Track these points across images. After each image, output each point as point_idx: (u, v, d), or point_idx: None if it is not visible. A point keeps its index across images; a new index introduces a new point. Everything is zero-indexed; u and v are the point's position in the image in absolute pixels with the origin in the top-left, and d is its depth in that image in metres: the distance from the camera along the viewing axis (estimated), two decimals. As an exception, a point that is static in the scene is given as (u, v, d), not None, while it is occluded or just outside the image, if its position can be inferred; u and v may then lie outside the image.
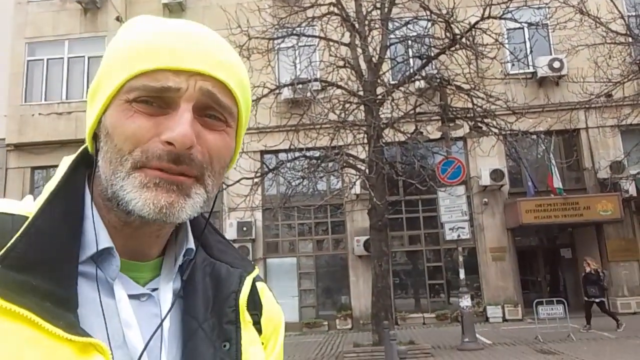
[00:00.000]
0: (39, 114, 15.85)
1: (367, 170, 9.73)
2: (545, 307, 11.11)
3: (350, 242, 15.26)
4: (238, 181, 10.13)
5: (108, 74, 0.64)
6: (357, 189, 13.57)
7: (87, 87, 16.38)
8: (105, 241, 0.63)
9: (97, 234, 0.63)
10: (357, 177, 10.47)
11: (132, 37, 0.64)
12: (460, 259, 11.25)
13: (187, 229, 0.72)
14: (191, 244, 0.71)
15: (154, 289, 0.68)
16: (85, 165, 0.68)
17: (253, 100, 10.40)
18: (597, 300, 11.57)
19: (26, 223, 0.59)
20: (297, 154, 10.54)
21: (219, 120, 0.65)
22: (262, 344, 0.74)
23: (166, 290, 0.68)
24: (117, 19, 16.47)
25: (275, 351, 0.79)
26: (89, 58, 16.33)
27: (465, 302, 10.69)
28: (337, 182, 14.05)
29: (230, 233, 15.02)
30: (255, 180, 10.56)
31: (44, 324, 0.53)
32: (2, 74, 16.13)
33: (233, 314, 0.69)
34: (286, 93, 13.13)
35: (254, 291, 0.76)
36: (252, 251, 15.21)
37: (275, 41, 10.94)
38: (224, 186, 10.49)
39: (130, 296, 0.64)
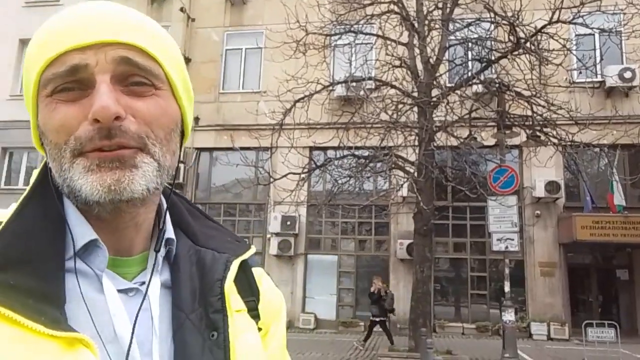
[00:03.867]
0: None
1: (415, 174, 9.53)
2: (595, 330, 10.51)
3: (393, 244, 15.05)
4: (285, 175, 10.18)
5: (27, 73, 0.64)
6: (404, 192, 13.34)
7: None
8: (90, 234, 0.63)
9: (79, 229, 0.63)
10: (405, 179, 10.26)
11: (40, 29, 0.63)
12: (507, 271, 10.84)
13: (166, 219, 0.72)
14: (170, 233, 0.71)
15: (142, 283, 0.67)
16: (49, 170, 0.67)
17: (306, 96, 10.57)
18: (377, 319, 11.72)
19: (1, 226, 0.59)
20: (345, 152, 10.47)
21: (146, 85, 0.63)
22: (261, 329, 0.74)
23: (153, 284, 0.67)
24: (181, 9, 16.93)
25: (277, 336, 0.78)
26: (152, 46, 16.91)
27: (509, 316, 10.29)
28: (384, 183, 13.87)
29: (274, 226, 15.17)
30: (302, 175, 10.57)
31: (24, 321, 0.53)
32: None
33: (219, 303, 0.68)
34: (339, 90, 13.06)
35: (249, 277, 0.75)
36: (294, 246, 15.30)
37: (332, 37, 10.89)
38: (271, 179, 10.59)
39: (119, 291, 0.64)
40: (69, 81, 0.60)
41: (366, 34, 10.68)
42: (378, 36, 10.54)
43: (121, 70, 0.61)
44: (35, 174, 0.68)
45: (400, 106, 9.89)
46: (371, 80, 10.62)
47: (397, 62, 10.09)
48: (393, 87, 10.14)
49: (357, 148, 10.16)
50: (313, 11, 10.36)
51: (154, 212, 0.71)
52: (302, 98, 10.33)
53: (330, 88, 11.10)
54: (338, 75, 11.81)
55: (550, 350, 12.03)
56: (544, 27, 9.07)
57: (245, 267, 0.75)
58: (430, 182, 9.93)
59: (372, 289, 12.21)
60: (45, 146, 0.64)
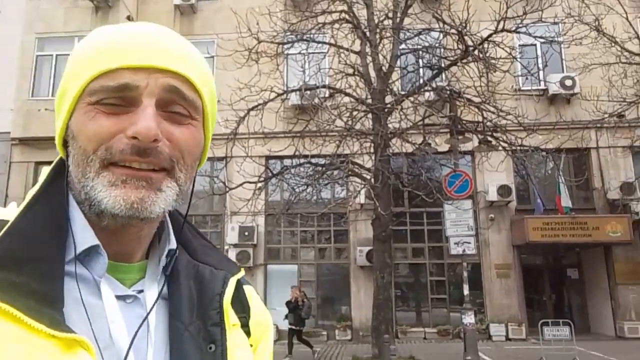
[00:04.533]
0: (45, 109, 15.80)
1: (372, 180, 9.56)
2: (550, 328, 10.79)
3: (353, 252, 15.06)
4: (241, 185, 10.01)
5: (72, 78, 0.65)
6: (362, 199, 13.38)
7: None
8: (91, 239, 0.64)
9: (81, 233, 0.64)
10: (362, 186, 10.29)
11: (93, 40, 0.66)
12: (465, 274, 11.01)
13: (169, 231, 0.73)
14: (173, 244, 0.72)
15: (140, 291, 0.69)
16: (66, 172, 0.69)
17: (260, 104, 10.44)
18: (294, 328, 11.70)
19: (7, 225, 0.61)
20: (302, 160, 10.40)
21: (184, 115, 0.66)
22: (252, 346, 0.75)
23: (151, 292, 0.69)
24: (128, 18, 16.50)
25: (266, 354, 0.80)
26: (99, 56, 16.35)
27: (469, 318, 10.43)
28: (341, 190, 13.89)
29: (231, 237, 14.87)
30: (259, 184, 10.42)
31: (27, 320, 0.54)
32: (11, 67, 16.15)
33: (217, 316, 0.69)
34: (293, 99, 13.02)
35: (241, 294, 0.77)
36: (253, 256, 15.04)
37: (285, 46, 10.86)
38: (227, 189, 10.38)
39: (117, 297, 0.65)
40: (115, 96, 0.62)
41: (319, 42, 10.71)
42: (330, 44, 10.59)
43: (166, 97, 0.64)
44: (45, 172, 0.69)
45: (355, 113, 9.94)
46: (325, 88, 10.63)
47: (350, 70, 10.16)
48: (347, 94, 10.18)
49: (313, 156, 10.11)
50: (264, 20, 10.29)
51: (156, 227, 0.73)
52: (256, 106, 10.22)
53: (284, 96, 11.04)
54: (292, 84, 11.77)
55: (510, 351, 12.28)
56: (490, 35, 9.37)
57: (238, 285, 0.77)
58: (387, 188, 10.00)
59: (290, 298, 12.10)
60: (71, 149, 0.65)
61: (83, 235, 0.64)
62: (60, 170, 0.69)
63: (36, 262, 0.59)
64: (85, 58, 0.64)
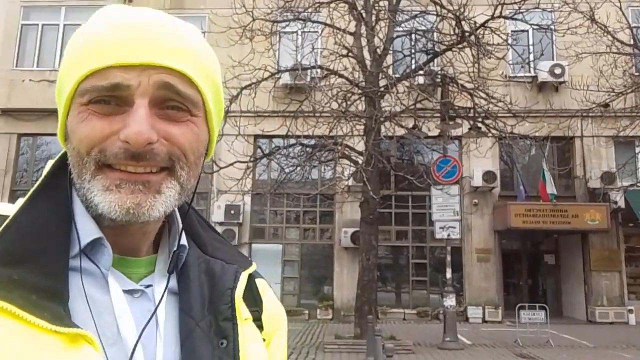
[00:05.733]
0: (30, 80, 15.31)
1: (364, 163, 9.59)
2: (527, 312, 11.16)
3: (338, 233, 15.16)
4: (232, 164, 9.92)
5: (66, 74, 0.63)
6: (350, 181, 13.44)
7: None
8: (95, 232, 0.63)
9: (84, 226, 0.63)
10: (356, 169, 10.30)
11: (86, 33, 0.63)
12: (448, 258, 11.21)
13: (179, 225, 0.72)
14: (183, 241, 0.71)
15: (148, 286, 0.67)
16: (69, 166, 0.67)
17: (253, 83, 10.25)
18: None
19: (8, 219, 0.59)
20: (292, 141, 10.34)
21: (182, 110, 0.63)
22: (264, 340, 0.74)
23: (161, 287, 0.67)
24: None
25: (280, 349, 0.79)
26: (85, 26, 15.86)
27: (450, 301, 10.67)
28: (330, 172, 13.88)
29: (217, 215, 14.81)
30: (249, 164, 10.35)
31: (26, 316, 0.53)
32: (-5, 36, 15.58)
33: (229, 311, 0.68)
34: (285, 78, 12.85)
35: (252, 288, 0.77)
36: (238, 235, 15.04)
37: (279, 24, 10.67)
38: (217, 168, 10.30)
39: (124, 291, 0.64)
40: (107, 95, 0.60)
41: (314, 21, 10.53)
42: (326, 24, 10.43)
43: (161, 94, 0.61)
44: (49, 165, 0.68)
45: (348, 95, 9.88)
46: (319, 69, 10.52)
47: (345, 51, 10.05)
48: (341, 76, 10.09)
49: (304, 137, 10.06)
50: (260, -4, 10.08)
51: (162, 220, 0.71)
52: (249, 85, 10.06)
53: (277, 76, 10.89)
54: (284, 63, 11.61)
55: (486, 332, 12.63)
56: (487, 21, 9.34)
57: (250, 279, 0.76)
58: (377, 171, 10.04)
59: None
60: (68, 148, 0.64)
61: (86, 228, 0.63)
62: (64, 163, 0.67)
63: (38, 256, 0.57)
64: (77, 55, 0.62)
